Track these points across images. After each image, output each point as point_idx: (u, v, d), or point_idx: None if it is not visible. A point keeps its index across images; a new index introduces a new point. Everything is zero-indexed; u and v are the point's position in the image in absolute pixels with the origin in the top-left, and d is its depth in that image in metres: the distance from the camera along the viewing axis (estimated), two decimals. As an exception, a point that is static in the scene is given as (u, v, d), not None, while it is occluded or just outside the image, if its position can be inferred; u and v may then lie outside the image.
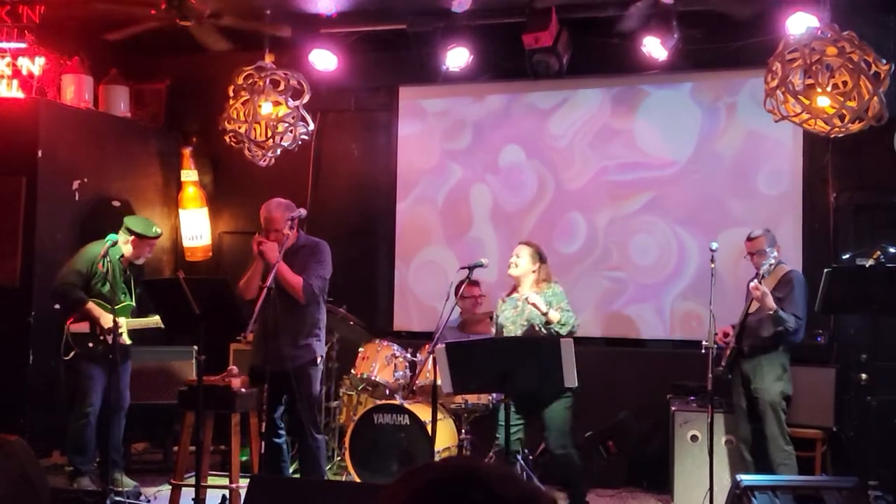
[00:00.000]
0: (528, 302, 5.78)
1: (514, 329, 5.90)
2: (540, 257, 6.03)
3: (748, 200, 7.46)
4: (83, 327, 6.40)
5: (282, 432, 5.93)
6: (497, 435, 5.93)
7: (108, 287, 6.22)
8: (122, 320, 6.38)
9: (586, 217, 7.88)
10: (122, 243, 6.50)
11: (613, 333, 7.79)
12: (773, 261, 6.03)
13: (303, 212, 5.83)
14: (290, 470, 6.31)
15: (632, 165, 7.78)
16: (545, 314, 5.69)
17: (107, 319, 6.20)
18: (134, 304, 6.57)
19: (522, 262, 6.00)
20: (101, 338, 6.33)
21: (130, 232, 6.54)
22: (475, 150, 8.20)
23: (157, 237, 6.71)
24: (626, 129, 7.82)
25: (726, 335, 6.26)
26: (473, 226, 8.17)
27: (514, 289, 6.09)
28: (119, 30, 7.11)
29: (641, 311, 7.72)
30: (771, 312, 5.96)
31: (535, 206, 8.02)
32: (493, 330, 6.19)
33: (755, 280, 6.07)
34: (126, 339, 6.44)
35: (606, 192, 7.84)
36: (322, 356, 5.99)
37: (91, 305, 6.39)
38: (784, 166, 7.42)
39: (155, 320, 6.14)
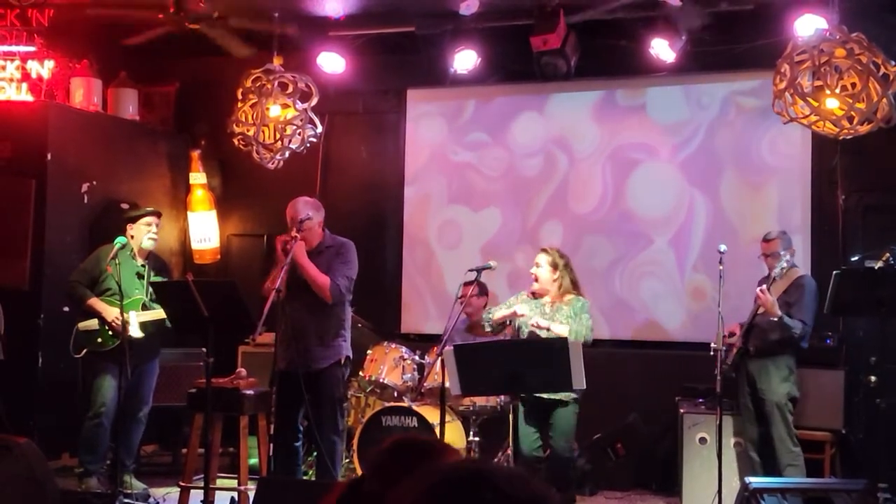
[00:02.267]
0: (536, 326, 5.80)
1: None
2: (557, 266, 5.97)
3: (755, 203, 7.45)
4: (92, 324, 6.43)
5: (301, 436, 5.89)
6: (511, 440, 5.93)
7: (115, 285, 6.22)
8: (132, 313, 6.40)
9: (592, 204, 7.89)
10: (128, 237, 6.53)
11: (623, 324, 7.77)
12: (785, 264, 6.03)
13: (310, 214, 5.82)
14: (307, 475, 6.30)
15: (638, 158, 7.78)
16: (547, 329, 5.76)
17: (110, 313, 6.23)
18: (146, 297, 6.56)
19: (542, 273, 5.97)
20: (110, 332, 6.34)
21: (126, 220, 6.64)
22: (481, 151, 8.20)
23: (150, 214, 6.71)
24: (632, 129, 7.81)
25: (733, 334, 6.25)
26: (481, 216, 8.16)
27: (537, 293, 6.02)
28: (134, 35, 7.16)
29: (654, 294, 7.71)
30: (775, 319, 5.95)
31: (540, 194, 8.01)
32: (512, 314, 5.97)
33: (763, 285, 6.07)
34: (137, 332, 6.38)
35: (614, 182, 7.84)
36: (349, 356, 5.91)
37: (94, 301, 6.41)
38: (792, 168, 7.40)
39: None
